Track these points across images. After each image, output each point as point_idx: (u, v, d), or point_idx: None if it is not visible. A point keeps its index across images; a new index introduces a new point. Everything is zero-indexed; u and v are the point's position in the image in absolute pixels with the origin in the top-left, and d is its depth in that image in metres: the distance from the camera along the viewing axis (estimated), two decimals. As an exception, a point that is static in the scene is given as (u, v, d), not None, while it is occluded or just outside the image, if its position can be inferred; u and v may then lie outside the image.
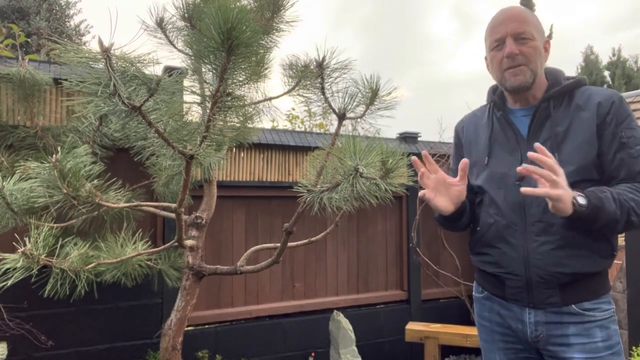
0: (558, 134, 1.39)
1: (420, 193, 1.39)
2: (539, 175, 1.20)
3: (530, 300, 1.41)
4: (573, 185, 1.27)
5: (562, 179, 1.21)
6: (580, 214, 1.23)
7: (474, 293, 1.65)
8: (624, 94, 3.26)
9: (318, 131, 6.08)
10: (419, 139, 4.23)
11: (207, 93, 1.60)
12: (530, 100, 1.46)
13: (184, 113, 1.76)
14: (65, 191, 1.61)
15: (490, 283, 1.54)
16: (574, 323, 1.36)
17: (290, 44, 2.43)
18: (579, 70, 18.43)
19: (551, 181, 1.19)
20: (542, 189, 1.20)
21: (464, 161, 1.39)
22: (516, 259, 1.42)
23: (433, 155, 4.32)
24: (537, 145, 1.23)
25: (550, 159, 1.21)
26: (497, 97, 1.54)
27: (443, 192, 1.41)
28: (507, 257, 1.44)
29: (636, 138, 1.34)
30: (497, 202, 1.47)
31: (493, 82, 1.58)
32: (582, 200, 1.23)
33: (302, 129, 6.94)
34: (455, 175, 1.49)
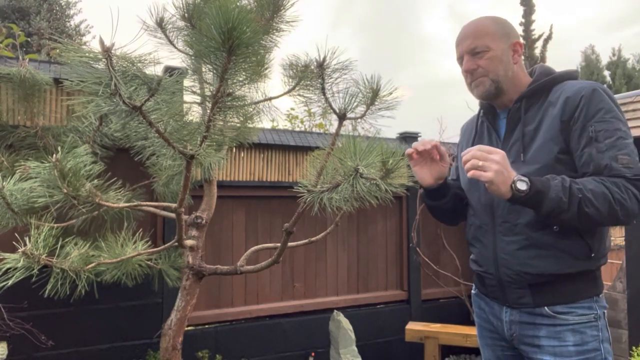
0: (526, 134, 1.40)
1: (408, 150, 1.47)
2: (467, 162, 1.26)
3: (505, 300, 1.45)
4: None
5: (493, 163, 1.22)
6: (519, 199, 1.23)
7: (472, 290, 1.70)
8: (624, 94, 3.25)
9: (318, 131, 6.07)
10: (419, 138, 4.23)
11: (208, 93, 1.59)
12: (507, 103, 1.49)
13: (184, 113, 1.76)
14: (65, 191, 1.61)
15: (477, 280, 1.60)
16: (546, 325, 1.35)
17: (291, 44, 2.43)
18: (579, 71, 18.35)
19: (475, 166, 1.23)
20: (471, 171, 1.24)
21: (442, 148, 1.48)
22: (488, 258, 1.47)
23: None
24: (462, 153, 1.29)
25: (472, 151, 1.26)
26: (486, 102, 1.57)
27: (427, 165, 1.50)
28: (482, 257, 1.50)
29: (607, 131, 1.28)
30: (473, 204, 1.54)
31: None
32: (521, 186, 1.21)
33: (302, 129, 6.93)
34: (457, 172, 1.60)
